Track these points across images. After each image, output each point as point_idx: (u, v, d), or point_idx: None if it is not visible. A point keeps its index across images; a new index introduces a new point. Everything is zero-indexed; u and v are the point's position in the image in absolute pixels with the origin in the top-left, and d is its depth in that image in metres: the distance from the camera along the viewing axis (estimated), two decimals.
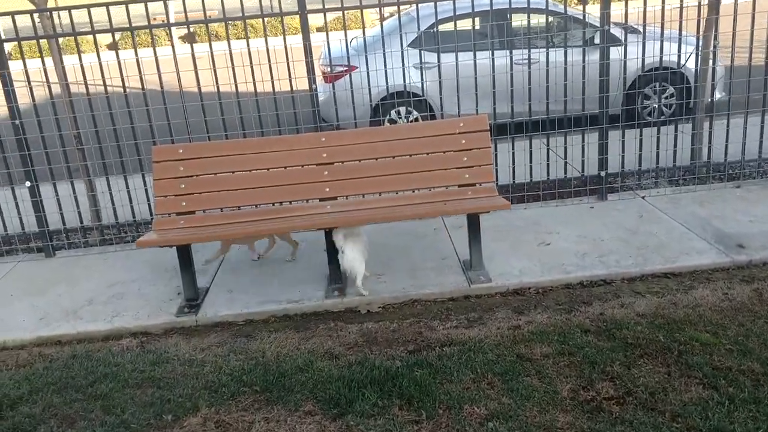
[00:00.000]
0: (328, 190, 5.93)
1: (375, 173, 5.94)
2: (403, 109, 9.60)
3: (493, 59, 7.26)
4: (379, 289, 5.71)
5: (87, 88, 6.83)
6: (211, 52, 6.81)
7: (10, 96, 6.65)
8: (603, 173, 7.16)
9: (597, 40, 9.15)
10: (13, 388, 4.63)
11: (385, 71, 7.20)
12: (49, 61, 6.75)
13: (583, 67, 7.05)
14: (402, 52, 7.26)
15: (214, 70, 6.83)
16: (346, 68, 8.86)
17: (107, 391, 4.47)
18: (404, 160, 5.95)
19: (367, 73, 7.21)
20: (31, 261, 7.22)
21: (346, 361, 4.61)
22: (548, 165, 7.56)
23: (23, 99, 6.80)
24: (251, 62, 6.88)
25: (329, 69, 9.36)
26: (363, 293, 5.58)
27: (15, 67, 7.41)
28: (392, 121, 9.65)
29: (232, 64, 6.85)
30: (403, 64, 7.30)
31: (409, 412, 3.96)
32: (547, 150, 7.64)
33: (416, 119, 9.68)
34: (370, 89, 7.26)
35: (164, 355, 4.98)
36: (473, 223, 5.75)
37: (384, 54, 7.19)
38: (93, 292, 6.25)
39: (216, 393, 4.35)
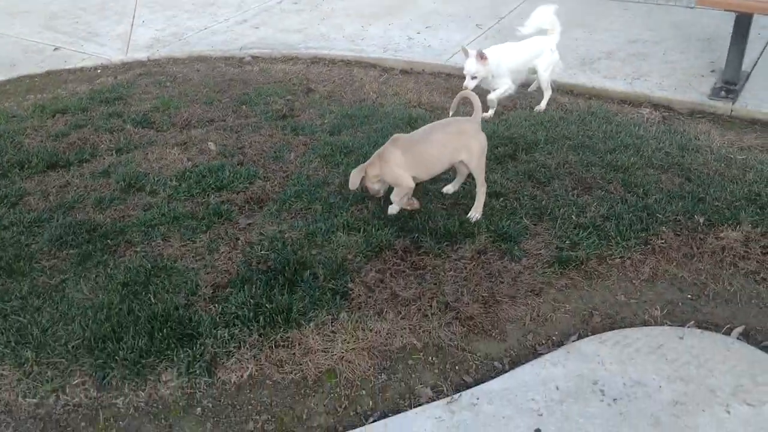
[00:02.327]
0: None
1: None
2: None
3: None
4: None
5: None
6: None
7: None
8: None
9: None
10: (528, 131, 4.45)
11: None
12: None
13: None
14: None
15: None
16: None
17: (628, 165, 3.98)
18: None
19: None
20: None
21: None
22: None
23: None
24: None
25: None
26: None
27: None
28: None
29: None
30: None
31: None
32: None
33: None
34: None
35: (693, 142, 4.23)
36: None
37: None
38: (611, 45, 5.62)
39: (762, 210, 3.52)
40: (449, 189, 3.85)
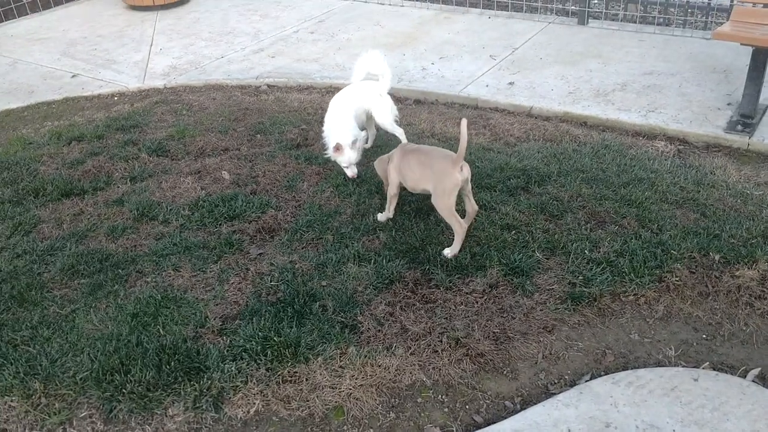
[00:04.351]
0: None
1: None
2: None
3: None
4: None
5: None
6: None
7: None
8: None
9: None
10: (541, 163, 4.43)
11: None
12: None
13: None
14: None
15: None
16: None
17: (642, 200, 3.94)
18: None
19: None
20: (562, 24, 6.84)
21: None
22: None
23: None
24: None
25: None
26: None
27: None
28: None
29: None
30: None
31: None
32: None
33: None
34: None
35: (709, 177, 4.19)
36: None
37: None
38: (626, 76, 5.61)
39: None
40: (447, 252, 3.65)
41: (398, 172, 3.74)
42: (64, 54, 6.92)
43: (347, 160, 4.19)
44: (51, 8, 8.37)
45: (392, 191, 3.82)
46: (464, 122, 3.38)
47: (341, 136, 4.16)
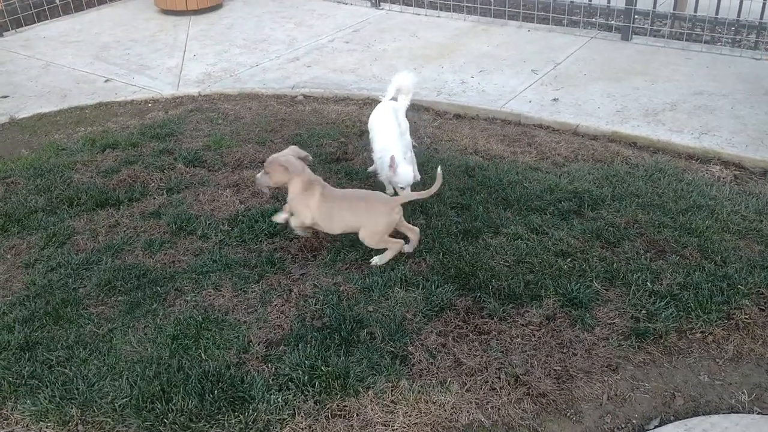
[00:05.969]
0: None
1: None
2: None
3: None
4: None
5: None
6: None
7: None
8: None
9: None
10: (593, 185, 4.25)
11: None
12: None
13: None
14: None
15: None
16: None
17: (703, 229, 3.75)
18: None
19: None
20: (605, 39, 6.66)
21: None
22: None
23: None
24: None
25: None
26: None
27: None
28: None
29: None
30: None
31: None
32: None
33: None
34: None
35: None
36: None
37: None
38: (674, 95, 5.42)
39: None
40: (407, 248, 3.65)
41: (318, 211, 3.51)
42: (97, 58, 6.83)
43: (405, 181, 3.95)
44: (83, 10, 8.30)
45: (305, 224, 3.62)
46: (439, 170, 3.49)
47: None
